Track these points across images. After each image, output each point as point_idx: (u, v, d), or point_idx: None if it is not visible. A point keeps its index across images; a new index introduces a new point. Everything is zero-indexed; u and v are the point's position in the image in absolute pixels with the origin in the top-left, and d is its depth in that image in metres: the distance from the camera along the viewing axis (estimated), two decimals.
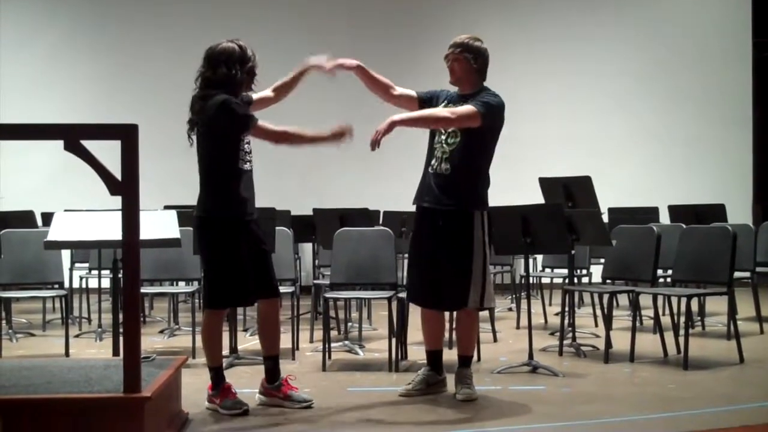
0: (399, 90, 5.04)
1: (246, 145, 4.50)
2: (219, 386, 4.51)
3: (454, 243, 4.76)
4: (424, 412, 4.51)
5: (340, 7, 11.97)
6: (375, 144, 4.53)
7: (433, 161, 4.87)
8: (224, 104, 4.34)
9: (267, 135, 4.45)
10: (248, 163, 4.52)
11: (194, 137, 4.55)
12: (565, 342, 6.23)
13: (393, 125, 4.57)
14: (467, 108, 4.69)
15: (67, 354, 6.08)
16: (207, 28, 11.74)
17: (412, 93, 5.04)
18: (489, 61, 4.90)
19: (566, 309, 6.34)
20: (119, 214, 3.51)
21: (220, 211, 4.47)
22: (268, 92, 4.82)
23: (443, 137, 4.82)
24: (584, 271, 7.87)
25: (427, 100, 4.98)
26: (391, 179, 11.22)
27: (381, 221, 8.23)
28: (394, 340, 5.72)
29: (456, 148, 4.76)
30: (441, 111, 4.75)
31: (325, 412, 4.48)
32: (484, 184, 4.87)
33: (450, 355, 5.35)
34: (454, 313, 5.33)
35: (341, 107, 11.43)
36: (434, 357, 5.01)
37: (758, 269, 7.29)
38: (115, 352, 5.14)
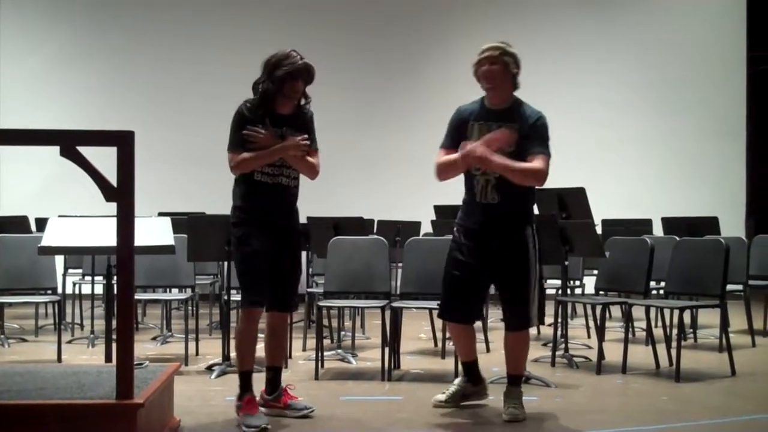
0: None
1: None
2: (242, 397, 4.41)
3: (512, 265, 4.56)
4: (417, 421, 4.51)
5: (341, 15, 12.01)
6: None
7: (477, 189, 4.56)
8: (234, 116, 4.47)
9: (229, 164, 4.46)
10: (268, 176, 4.47)
11: None
12: (557, 353, 6.24)
13: (484, 162, 4.38)
14: (544, 162, 4.46)
15: (59, 360, 6.07)
16: (205, 38, 11.85)
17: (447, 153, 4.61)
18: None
19: (559, 320, 6.35)
20: (113, 220, 3.50)
21: (233, 214, 4.56)
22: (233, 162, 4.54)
23: None
24: (577, 282, 7.89)
25: (455, 143, 4.55)
26: (386, 188, 11.26)
27: (375, 230, 8.23)
28: (387, 349, 5.72)
29: (503, 176, 4.47)
30: (537, 173, 4.43)
31: (318, 421, 4.48)
32: (533, 198, 4.71)
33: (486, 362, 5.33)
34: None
35: (340, 113, 11.49)
36: (470, 367, 4.89)
37: (751, 282, 7.32)
38: (108, 359, 5.13)
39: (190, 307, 7.42)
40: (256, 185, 4.48)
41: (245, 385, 4.46)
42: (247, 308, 4.52)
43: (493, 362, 6.12)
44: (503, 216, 4.56)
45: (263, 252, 4.44)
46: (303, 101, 4.59)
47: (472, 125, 4.58)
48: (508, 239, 4.56)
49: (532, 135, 4.52)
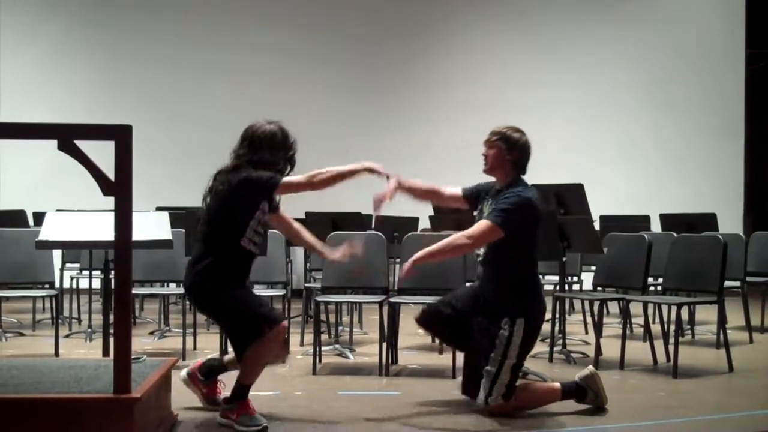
0: (447, 192, 4.83)
1: (259, 227, 4.34)
2: (239, 401, 4.26)
3: (478, 333, 4.59)
4: (414, 417, 4.51)
5: (338, 14, 11.99)
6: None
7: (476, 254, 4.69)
8: (246, 179, 4.21)
9: (299, 186, 4.23)
10: (254, 246, 4.32)
11: (206, 205, 4.36)
12: (555, 349, 6.25)
13: (414, 263, 4.46)
14: (482, 225, 4.45)
15: (56, 354, 6.06)
16: (204, 33, 11.84)
17: (458, 191, 4.81)
18: (529, 155, 4.63)
19: (557, 316, 6.35)
20: (111, 214, 3.50)
21: (212, 286, 4.30)
22: (301, 178, 4.35)
23: None
24: (575, 278, 7.89)
25: (472, 197, 4.76)
26: (384, 184, 11.23)
27: (374, 225, 8.22)
28: (384, 345, 5.72)
29: (488, 249, 4.58)
30: (459, 239, 4.49)
31: (315, 416, 4.48)
32: (527, 286, 4.62)
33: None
34: None
35: (338, 109, 11.49)
36: None
37: (748, 279, 7.32)
38: (105, 353, 5.14)
39: (187, 302, 7.40)
40: (242, 254, 4.29)
41: (244, 395, 4.30)
42: (278, 325, 4.24)
43: None
44: (487, 290, 4.65)
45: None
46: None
47: (485, 200, 4.67)
48: (488, 315, 4.58)
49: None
